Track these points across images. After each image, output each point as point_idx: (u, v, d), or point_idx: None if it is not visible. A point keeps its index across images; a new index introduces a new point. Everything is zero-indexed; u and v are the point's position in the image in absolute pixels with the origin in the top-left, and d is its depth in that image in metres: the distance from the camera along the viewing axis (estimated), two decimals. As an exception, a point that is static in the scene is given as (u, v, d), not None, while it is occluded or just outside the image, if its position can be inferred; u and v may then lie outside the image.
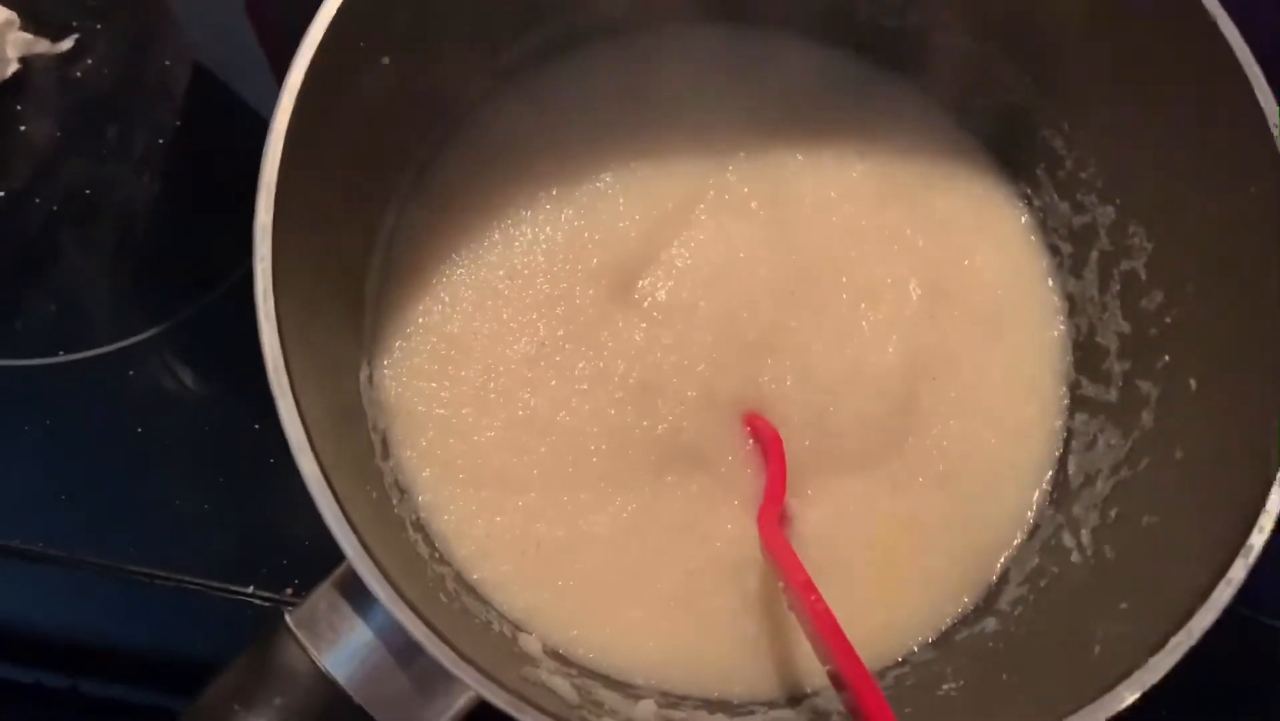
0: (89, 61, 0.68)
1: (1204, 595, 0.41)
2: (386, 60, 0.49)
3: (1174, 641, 0.40)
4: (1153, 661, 0.40)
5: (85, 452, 0.60)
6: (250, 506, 0.60)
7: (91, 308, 0.62)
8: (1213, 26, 0.47)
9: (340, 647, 0.41)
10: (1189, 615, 0.41)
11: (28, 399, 0.61)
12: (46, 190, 0.64)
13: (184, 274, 0.64)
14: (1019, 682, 0.47)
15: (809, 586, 0.45)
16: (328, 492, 0.39)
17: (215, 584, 0.58)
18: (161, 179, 0.65)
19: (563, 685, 0.45)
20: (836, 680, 0.44)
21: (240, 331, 0.61)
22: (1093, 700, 0.40)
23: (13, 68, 0.65)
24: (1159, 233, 0.53)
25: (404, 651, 0.41)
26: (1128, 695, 0.40)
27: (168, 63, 0.67)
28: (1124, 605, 0.46)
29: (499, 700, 0.38)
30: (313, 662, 0.40)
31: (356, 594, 0.42)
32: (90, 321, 0.62)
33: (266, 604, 0.58)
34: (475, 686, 0.38)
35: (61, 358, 0.61)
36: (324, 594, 0.42)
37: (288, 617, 0.42)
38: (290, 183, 0.42)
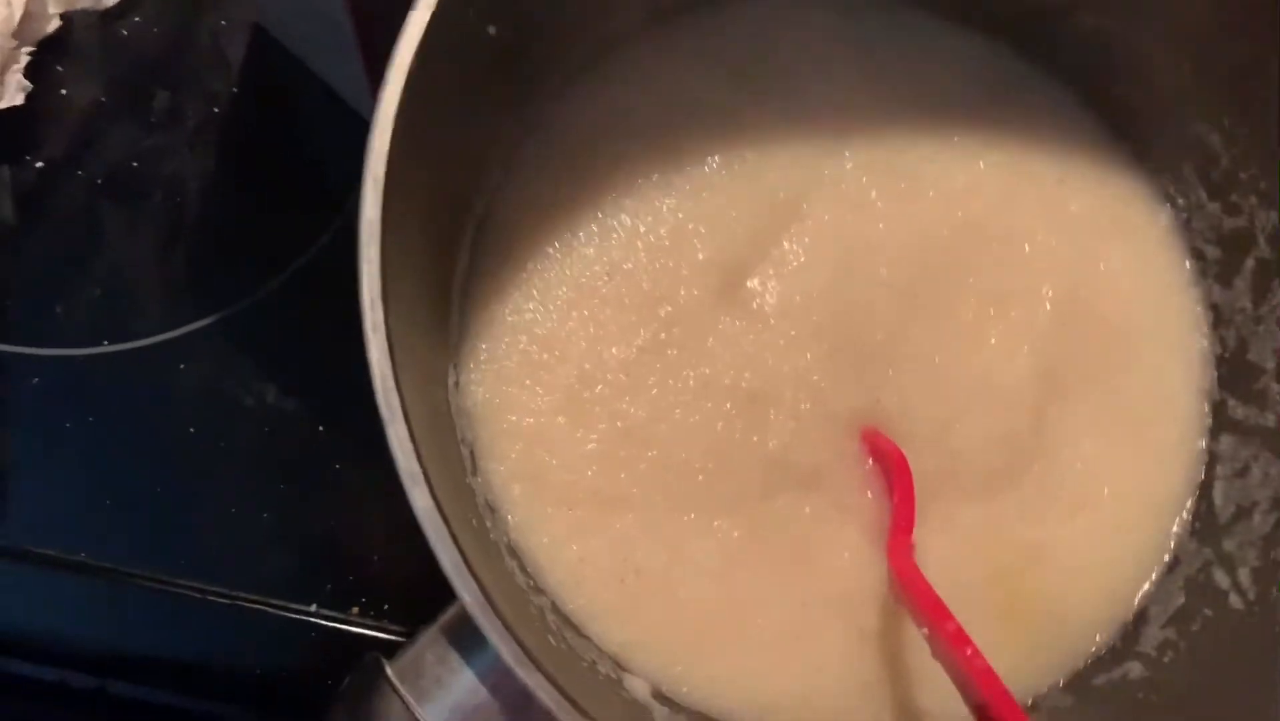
0: (136, 19, 0.62)
1: None
2: (493, 30, 0.44)
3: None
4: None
5: (131, 454, 0.55)
6: (313, 517, 0.55)
7: (139, 294, 0.57)
8: None
9: (449, 707, 0.36)
10: None
11: (69, 393, 0.55)
12: (89, 161, 0.59)
13: (241, 259, 0.58)
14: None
15: (962, 638, 0.41)
16: (444, 531, 0.34)
17: (274, 601, 0.53)
18: (216, 153, 0.59)
19: (686, 738, 0.41)
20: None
21: (303, 324, 0.57)
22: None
23: (53, 24, 0.60)
24: (1337, 242, 0.48)
25: (517, 710, 0.37)
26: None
27: (224, 23, 0.61)
28: (1315, 664, 0.41)
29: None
30: (420, 725, 0.35)
31: (467, 641, 0.37)
32: (138, 309, 0.57)
33: (331, 624, 0.53)
34: (609, 757, 0.34)
35: (106, 348, 0.56)
36: (430, 642, 0.37)
37: (389, 669, 0.37)
38: (396, 174, 0.37)
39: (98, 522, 0.54)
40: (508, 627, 0.34)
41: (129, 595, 0.53)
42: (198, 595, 0.53)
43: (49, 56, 0.61)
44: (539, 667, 0.34)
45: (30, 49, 0.60)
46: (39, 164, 0.59)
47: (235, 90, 0.61)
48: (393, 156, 0.36)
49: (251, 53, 0.61)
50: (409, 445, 0.34)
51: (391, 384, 0.35)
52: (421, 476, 0.34)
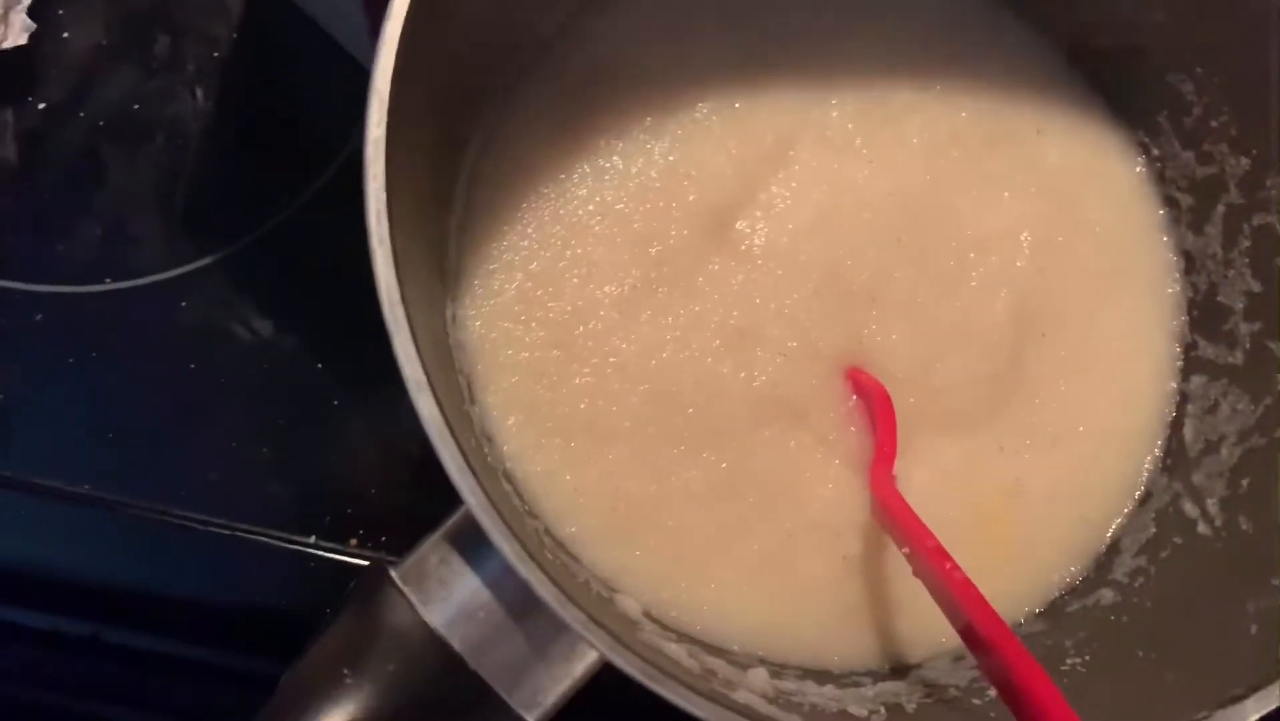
0: (137, -37, 0.62)
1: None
2: (492, -33, 0.45)
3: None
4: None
5: (134, 389, 0.56)
6: (312, 451, 0.56)
7: (140, 233, 0.58)
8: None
9: (453, 607, 0.38)
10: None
11: (72, 329, 0.56)
12: (90, 103, 0.60)
13: (240, 200, 0.59)
14: (1161, 660, 0.44)
15: (942, 554, 0.43)
16: (448, 436, 0.35)
17: (274, 533, 0.54)
18: (216, 96, 0.60)
19: (678, 651, 0.42)
20: (976, 644, 0.41)
21: (302, 263, 0.59)
22: (1265, 684, 0.37)
23: (55, -33, 0.60)
24: (1305, 186, 0.50)
25: (521, 613, 0.38)
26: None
27: (224, -32, 0.62)
28: (1277, 581, 0.43)
29: (632, 667, 0.35)
30: (425, 624, 0.37)
31: (470, 547, 0.38)
32: (139, 247, 0.58)
33: (330, 555, 0.54)
34: (606, 652, 0.35)
35: (108, 285, 0.57)
36: (434, 547, 0.38)
37: (393, 573, 0.38)
38: (398, 95, 0.38)
39: (100, 456, 0.55)
40: (510, 528, 0.35)
41: (131, 526, 0.54)
42: (199, 526, 0.54)
43: (50, 0, 0.61)
44: (541, 566, 0.35)
45: (33, -11, 0.60)
46: (41, 105, 0.60)
47: (235, 35, 0.62)
48: (396, 76, 0.37)
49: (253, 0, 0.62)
50: (414, 354, 0.35)
51: (396, 295, 0.36)
52: (426, 383, 0.35)
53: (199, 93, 0.60)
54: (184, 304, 0.57)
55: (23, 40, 0.59)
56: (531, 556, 0.35)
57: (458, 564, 0.38)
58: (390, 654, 0.36)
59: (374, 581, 0.38)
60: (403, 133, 0.39)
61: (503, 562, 0.35)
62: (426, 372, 0.36)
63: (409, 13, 0.38)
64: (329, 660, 0.37)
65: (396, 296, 0.36)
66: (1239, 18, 0.51)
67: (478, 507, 0.35)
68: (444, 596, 0.38)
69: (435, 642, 0.37)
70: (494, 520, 0.35)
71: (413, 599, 0.37)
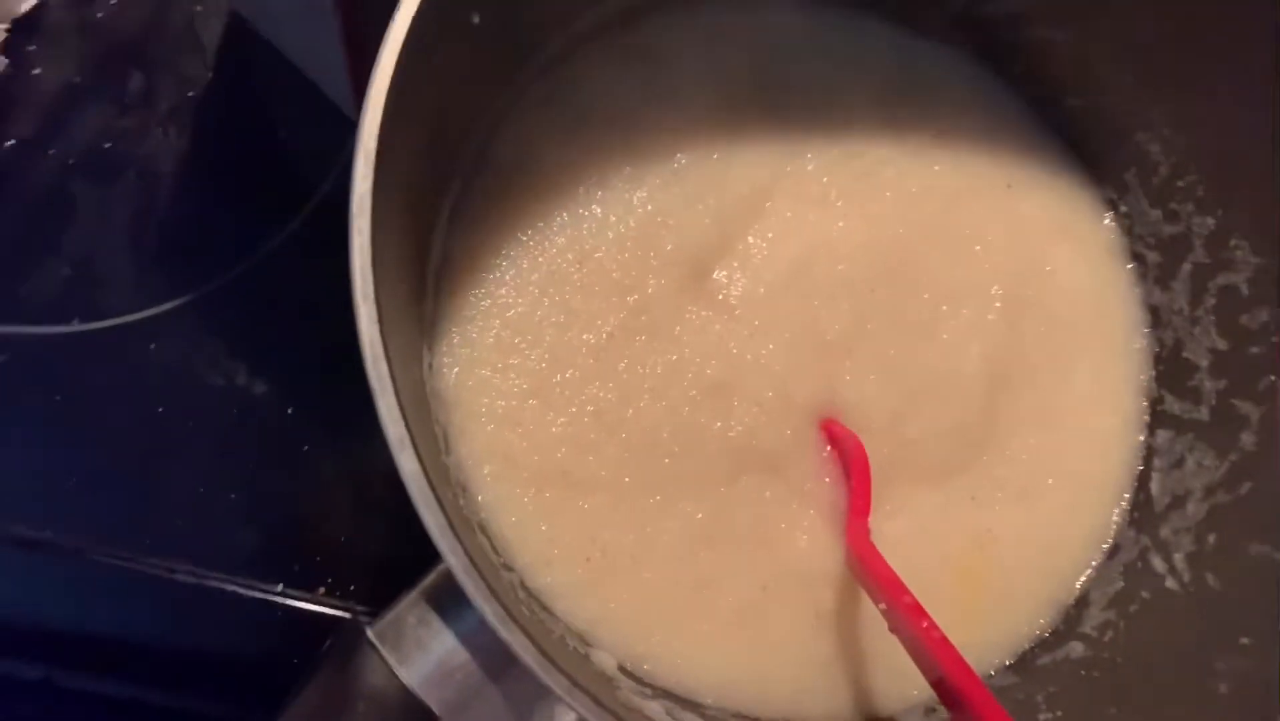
0: (111, 1, 0.62)
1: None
2: (477, 19, 0.45)
3: (1322, 684, 0.38)
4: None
5: (100, 433, 0.55)
6: (280, 498, 0.55)
7: (110, 273, 0.57)
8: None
9: (430, 667, 0.37)
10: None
11: (38, 371, 0.55)
12: (61, 141, 0.59)
13: (213, 241, 0.58)
14: (1132, 718, 0.44)
15: (919, 611, 0.43)
16: (430, 494, 0.35)
17: (241, 581, 0.53)
18: (190, 136, 0.59)
19: (657, 710, 0.42)
20: (950, 699, 0.41)
21: (274, 307, 0.58)
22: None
23: (27, 4, 0.59)
24: (1268, 249, 0.51)
25: (499, 672, 0.38)
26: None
27: (199, 9, 0.62)
28: (1245, 640, 0.43)
29: (611, 731, 0.35)
30: (402, 686, 0.36)
31: (448, 605, 0.38)
32: (108, 288, 0.57)
33: (298, 603, 0.53)
34: (587, 716, 0.35)
35: (76, 326, 0.56)
36: (411, 605, 0.38)
37: (369, 632, 0.37)
38: (384, 149, 0.38)
39: (65, 501, 0.53)
40: (490, 588, 0.35)
41: (95, 574, 0.53)
42: (165, 574, 0.53)
43: (22, 37, 0.61)
44: (521, 628, 0.35)
45: (5, 26, 0.60)
46: (10, 142, 0.59)
47: (210, 75, 0.61)
48: (383, 129, 0.37)
49: (227, 38, 0.61)
50: (397, 412, 0.35)
51: (381, 351, 0.35)
52: (409, 441, 0.35)
53: (172, 131, 0.59)
54: (153, 346, 0.56)
55: (-6, 74, 0.58)
56: (511, 617, 0.35)
57: (435, 623, 0.38)
58: (367, 716, 0.36)
59: (350, 640, 0.38)
60: (386, 184, 0.39)
61: (480, 620, 0.35)
62: (409, 430, 0.35)
63: (397, 66, 0.38)
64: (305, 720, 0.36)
65: (381, 354, 0.36)
66: (1208, 82, 0.52)
67: (459, 569, 0.35)
68: (421, 657, 0.37)
69: (413, 704, 0.36)
70: (476, 582, 0.35)
71: (389, 659, 0.37)
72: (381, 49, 0.38)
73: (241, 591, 0.53)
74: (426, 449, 0.41)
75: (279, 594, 0.53)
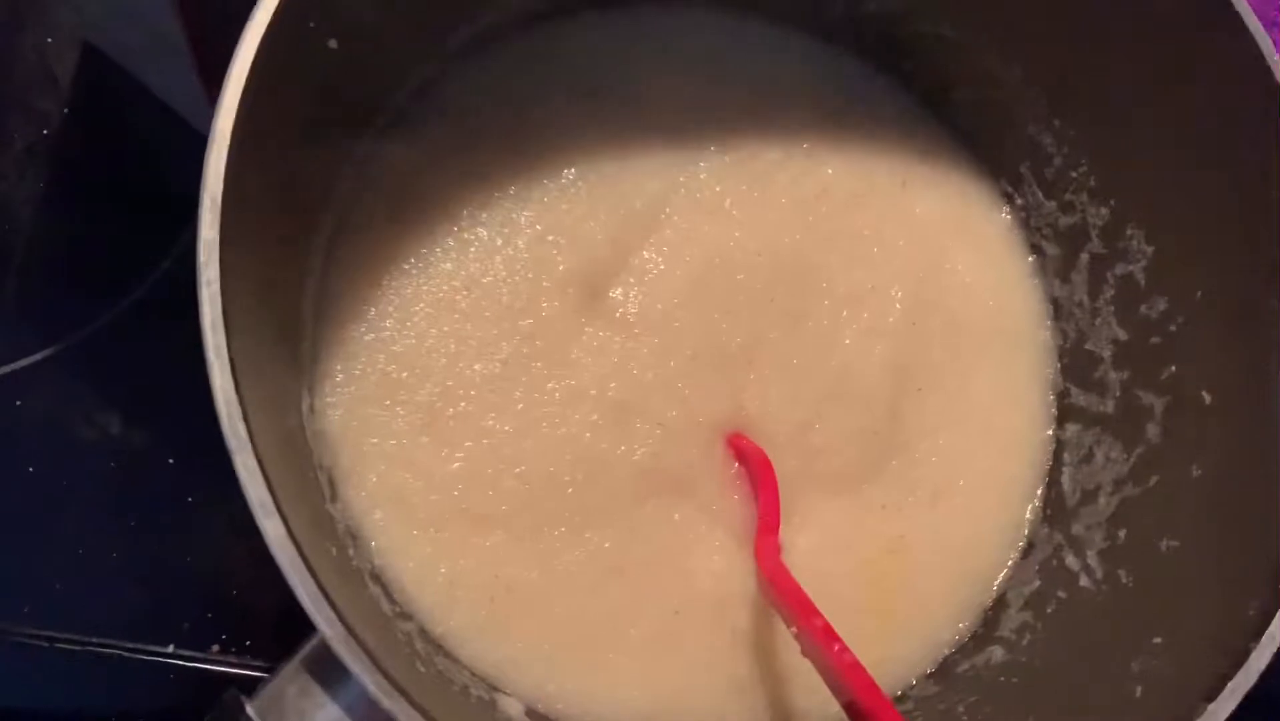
0: (-49, 37, 0.58)
1: (1256, 630, 0.39)
2: (334, 44, 0.42)
3: (1232, 685, 0.38)
4: (1211, 709, 0.37)
5: (-35, 497, 0.52)
6: (166, 554, 0.52)
7: (-33, 326, 0.54)
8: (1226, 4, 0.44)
9: (313, 741, 0.35)
10: (1243, 653, 0.38)
11: (-107, 435, 0.52)
12: (-94, 189, 0.55)
13: (80, 286, 0.55)
14: (1050, 725, 0.44)
15: (830, 634, 0.41)
16: (299, 561, 0.33)
17: (128, 645, 0.50)
18: (47, 175, 0.56)
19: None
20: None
21: (148, 352, 0.55)
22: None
23: None
24: (1161, 237, 0.51)
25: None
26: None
27: (50, 40, 0.58)
28: (1158, 639, 0.43)
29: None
30: (283, 764, 0.34)
31: (330, 673, 0.36)
32: (-34, 343, 0.53)
33: (190, 664, 0.51)
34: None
35: (-67, 385, 0.52)
36: (291, 676, 0.36)
37: (249, 708, 0.35)
38: (234, 191, 0.35)
39: (-71, 572, 0.50)
40: (371, 657, 0.33)
41: (-33, 648, 0.50)
42: (44, 644, 0.50)
43: None
44: (406, 697, 0.33)
45: None
46: None
47: (66, 110, 0.58)
48: (231, 174, 0.35)
49: (82, 70, 0.58)
50: (258, 474, 0.33)
51: (237, 410, 0.33)
52: (273, 505, 0.33)
53: (29, 172, 0.56)
54: (19, 402, 0.53)
55: None
56: (396, 686, 0.33)
57: (317, 694, 0.36)
58: (246, 800, 0.34)
59: (228, 716, 0.36)
60: (244, 222, 0.36)
61: (365, 689, 0.33)
62: (273, 492, 0.33)
63: (242, 105, 0.36)
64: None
65: (238, 412, 0.33)
66: (1095, 72, 0.51)
67: (335, 639, 0.33)
68: (303, 731, 0.35)
69: (296, 783, 0.34)
70: (354, 651, 0.33)
71: (270, 735, 0.35)
72: (225, 80, 0.36)
73: (129, 655, 0.50)
74: (301, 504, 0.39)
75: (170, 655, 0.51)
